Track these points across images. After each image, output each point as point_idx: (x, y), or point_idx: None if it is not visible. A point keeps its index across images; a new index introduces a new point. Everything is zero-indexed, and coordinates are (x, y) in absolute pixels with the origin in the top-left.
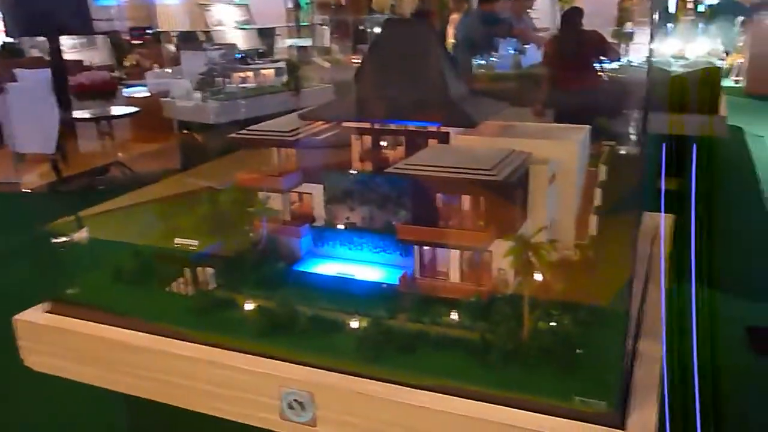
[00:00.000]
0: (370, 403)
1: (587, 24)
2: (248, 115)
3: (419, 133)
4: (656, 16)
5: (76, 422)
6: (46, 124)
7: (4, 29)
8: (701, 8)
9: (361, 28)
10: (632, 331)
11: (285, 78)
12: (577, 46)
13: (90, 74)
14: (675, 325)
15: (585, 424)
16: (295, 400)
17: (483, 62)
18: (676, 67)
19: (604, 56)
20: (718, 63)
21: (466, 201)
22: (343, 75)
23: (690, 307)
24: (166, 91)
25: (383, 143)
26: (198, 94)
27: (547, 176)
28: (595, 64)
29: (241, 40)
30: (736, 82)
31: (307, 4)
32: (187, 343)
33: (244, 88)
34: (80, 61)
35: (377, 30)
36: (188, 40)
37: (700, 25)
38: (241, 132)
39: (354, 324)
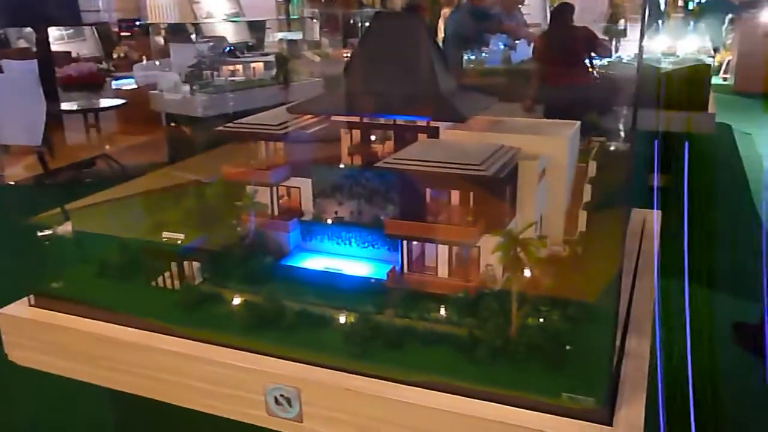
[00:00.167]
0: (357, 398)
1: (578, 20)
2: (237, 108)
3: (408, 127)
4: (647, 13)
5: (61, 418)
6: (33, 115)
7: None
8: (691, 6)
9: (351, 21)
10: (621, 327)
11: (274, 71)
12: (567, 42)
13: (78, 66)
14: (663, 321)
15: (573, 420)
16: (282, 396)
17: (473, 57)
18: (666, 64)
19: (594, 53)
20: (708, 60)
21: (454, 196)
22: (332, 69)
23: (677, 303)
24: (154, 84)
25: (372, 137)
26: (186, 87)
27: (536, 172)
28: (585, 61)
29: (230, 32)
30: (725, 79)
31: None
32: (173, 338)
33: (232, 81)
34: (68, 53)
35: (367, 24)
36: (177, 32)
37: (690, 22)
38: (229, 125)
39: (341, 319)
